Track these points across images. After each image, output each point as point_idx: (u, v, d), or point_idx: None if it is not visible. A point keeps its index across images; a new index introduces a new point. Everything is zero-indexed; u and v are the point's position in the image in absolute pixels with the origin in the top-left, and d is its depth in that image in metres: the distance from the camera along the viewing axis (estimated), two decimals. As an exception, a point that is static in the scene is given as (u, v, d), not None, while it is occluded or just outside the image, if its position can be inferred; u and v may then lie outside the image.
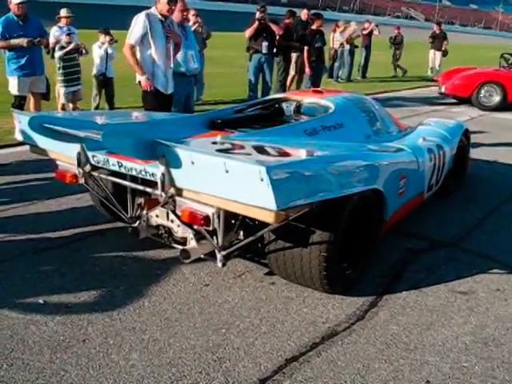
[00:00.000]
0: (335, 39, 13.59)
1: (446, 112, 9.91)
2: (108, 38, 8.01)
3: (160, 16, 5.04)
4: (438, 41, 15.28)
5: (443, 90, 11.02)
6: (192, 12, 8.39)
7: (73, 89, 7.46)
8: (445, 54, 15.33)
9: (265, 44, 8.59)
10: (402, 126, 4.95)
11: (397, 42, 15.83)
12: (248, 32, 8.63)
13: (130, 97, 8.69)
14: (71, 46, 7.28)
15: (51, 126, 2.97)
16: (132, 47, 5.02)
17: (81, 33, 8.02)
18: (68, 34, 7.37)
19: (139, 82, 5.21)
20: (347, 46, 13.80)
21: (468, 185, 5.36)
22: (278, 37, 8.95)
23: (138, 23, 4.96)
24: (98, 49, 8.08)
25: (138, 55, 5.09)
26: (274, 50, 8.89)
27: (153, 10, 5.06)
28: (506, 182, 5.65)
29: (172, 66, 5.29)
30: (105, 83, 8.15)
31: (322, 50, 9.86)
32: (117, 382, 2.34)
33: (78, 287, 3.10)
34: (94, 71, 8.11)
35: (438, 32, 15.36)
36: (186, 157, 2.50)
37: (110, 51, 8.00)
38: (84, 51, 7.60)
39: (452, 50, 16.16)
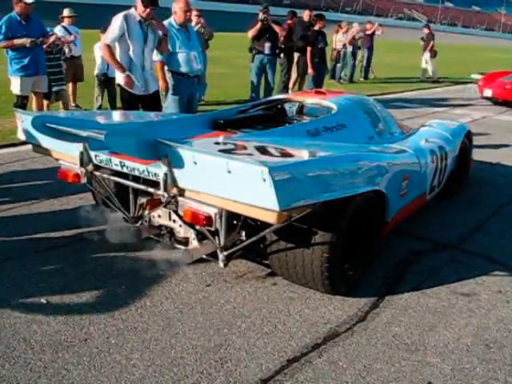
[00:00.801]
0: (338, 40, 13.59)
1: (448, 114, 9.90)
2: None
3: (139, 17, 4.99)
4: (427, 42, 15.13)
5: (490, 94, 11.07)
6: (194, 12, 8.39)
7: (54, 89, 7.28)
8: (434, 54, 15.13)
9: (267, 45, 8.59)
10: (404, 127, 4.95)
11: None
12: (251, 33, 8.64)
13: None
14: (50, 40, 6.99)
15: (54, 126, 2.98)
16: (108, 47, 5.00)
17: (84, 33, 8.03)
18: (51, 34, 7.09)
19: (118, 84, 5.22)
20: (350, 48, 13.80)
21: (470, 186, 5.36)
22: (281, 38, 8.94)
23: (115, 24, 4.96)
24: (100, 49, 8.06)
25: (116, 56, 5.07)
26: (277, 51, 8.90)
27: (132, 11, 5.03)
28: (508, 184, 5.64)
29: (150, 66, 5.26)
30: (107, 83, 8.14)
31: (324, 50, 9.87)
32: (118, 381, 2.34)
33: (80, 287, 3.10)
34: (96, 71, 8.10)
35: (427, 34, 15.25)
36: (189, 157, 2.51)
37: None
38: (67, 50, 7.49)
39: (454, 51, 16.12)
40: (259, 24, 8.53)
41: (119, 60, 5.06)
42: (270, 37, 8.63)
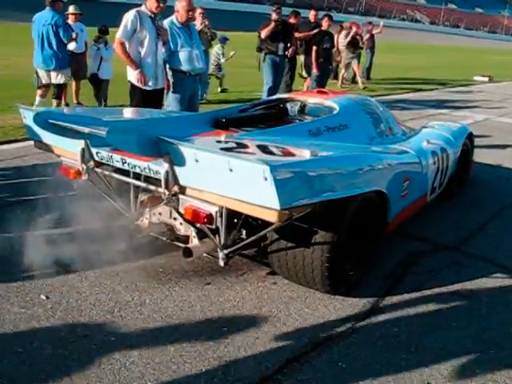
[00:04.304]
0: (342, 41, 13.45)
1: (450, 115, 9.89)
2: None
3: (150, 13, 5.15)
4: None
5: None
6: (199, 11, 8.37)
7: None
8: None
9: (281, 46, 8.54)
10: (405, 128, 4.94)
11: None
12: (264, 33, 8.51)
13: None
14: None
15: (56, 122, 2.98)
16: (122, 43, 5.11)
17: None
18: None
19: (129, 81, 5.28)
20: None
21: (472, 188, 5.35)
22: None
23: (128, 20, 5.06)
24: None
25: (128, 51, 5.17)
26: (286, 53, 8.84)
27: (143, 8, 5.16)
28: (509, 186, 5.64)
29: (161, 62, 5.35)
30: None
31: (330, 51, 9.82)
32: (117, 378, 2.34)
33: (80, 283, 3.10)
34: None
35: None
36: (190, 155, 2.51)
37: None
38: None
39: (456, 53, 16.08)
40: (273, 24, 8.46)
41: (131, 56, 5.14)
42: (283, 38, 8.58)
